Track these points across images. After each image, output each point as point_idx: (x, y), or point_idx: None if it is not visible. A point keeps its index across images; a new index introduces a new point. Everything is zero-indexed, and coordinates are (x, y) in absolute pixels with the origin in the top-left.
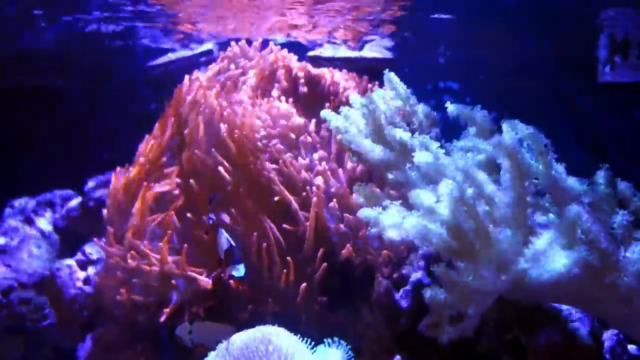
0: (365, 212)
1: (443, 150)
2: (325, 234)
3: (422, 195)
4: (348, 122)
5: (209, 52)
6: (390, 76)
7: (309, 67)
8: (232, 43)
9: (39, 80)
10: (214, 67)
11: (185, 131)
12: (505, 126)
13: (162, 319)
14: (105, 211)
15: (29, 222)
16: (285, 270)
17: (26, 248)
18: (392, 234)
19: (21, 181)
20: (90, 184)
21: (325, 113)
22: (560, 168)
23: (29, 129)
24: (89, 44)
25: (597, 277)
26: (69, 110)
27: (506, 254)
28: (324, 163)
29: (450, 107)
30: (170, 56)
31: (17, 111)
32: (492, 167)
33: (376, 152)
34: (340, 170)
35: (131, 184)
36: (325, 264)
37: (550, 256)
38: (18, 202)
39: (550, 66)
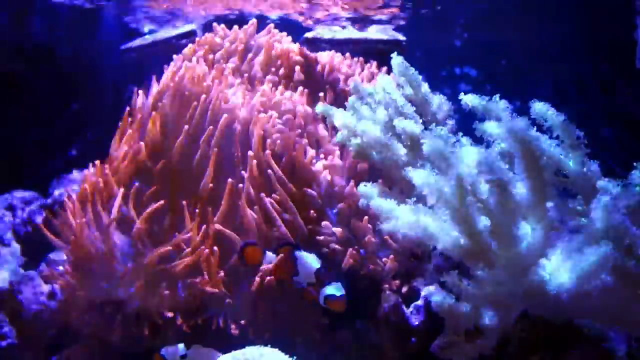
0: (377, 202)
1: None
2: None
3: (429, 181)
4: (352, 116)
5: (191, 33)
6: (399, 61)
7: (306, 50)
8: (215, 25)
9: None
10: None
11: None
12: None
13: (141, 338)
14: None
15: None
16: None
17: None
18: (407, 229)
19: None
20: (56, 183)
21: (324, 108)
22: (593, 166)
23: None
24: (52, 20)
25: (634, 289)
26: (29, 98)
27: (527, 254)
28: (330, 157)
29: (466, 98)
30: (147, 38)
31: None
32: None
33: (384, 147)
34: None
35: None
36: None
37: (578, 262)
38: None
39: (583, 51)
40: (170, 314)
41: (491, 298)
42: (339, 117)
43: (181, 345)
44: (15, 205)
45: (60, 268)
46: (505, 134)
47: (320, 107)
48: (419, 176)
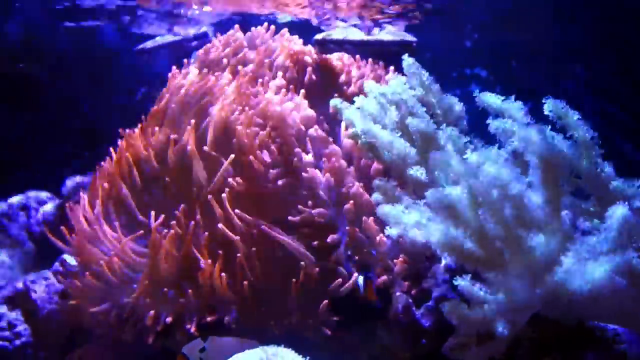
0: (385, 209)
1: (472, 146)
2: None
3: (441, 195)
4: (363, 113)
5: (203, 36)
6: (410, 62)
7: (316, 51)
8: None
9: (8, 67)
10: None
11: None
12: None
13: (151, 337)
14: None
15: (0, 228)
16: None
17: None
18: (415, 234)
19: None
20: (69, 184)
21: (337, 102)
22: (607, 167)
23: None
24: (66, 24)
25: None
26: (44, 101)
27: (540, 263)
28: (333, 159)
29: (480, 97)
30: (159, 40)
31: None
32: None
33: (395, 146)
34: (351, 169)
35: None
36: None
37: (592, 265)
38: None
39: (600, 52)
40: (178, 316)
41: (503, 303)
42: (351, 114)
43: (199, 340)
44: (29, 206)
45: (73, 268)
46: (521, 142)
47: (334, 102)
48: (431, 194)
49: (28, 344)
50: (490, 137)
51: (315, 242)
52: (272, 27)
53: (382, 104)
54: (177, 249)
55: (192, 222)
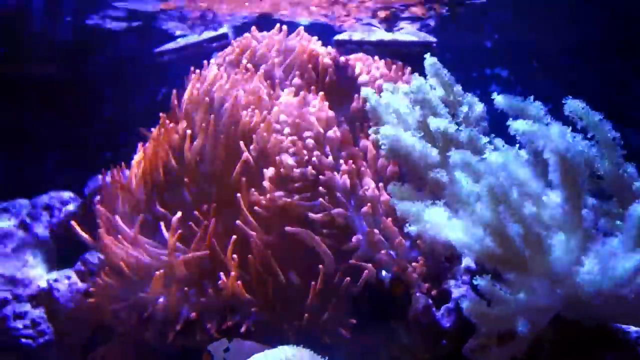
0: (405, 206)
1: (492, 146)
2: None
3: (463, 195)
4: (387, 111)
5: (223, 37)
6: (432, 61)
7: (335, 52)
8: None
9: (37, 70)
10: (224, 54)
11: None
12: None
13: (171, 336)
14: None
15: (25, 227)
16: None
17: (21, 256)
18: (435, 232)
19: (15, 181)
20: (91, 184)
21: (368, 91)
22: (630, 167)
23: (23, 124)
24: (89, 28)
25: None
26: (66, 101)
27: (560, 263)
28: (350, 162)
29: (499, 99)
30: (180, 42)
31: (11, 103)
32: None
33: (417, 146)
34: (369, 170)
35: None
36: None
37: (614, 265)
38: (12, 205)
39: (624, 53)
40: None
41: (524, 303)
42: (380, 109)
43: (224, 340)
44: (52, 205)
45: (95, 267)
46: (541, 141)
47: (365, 90)
48: (451, 193)
49: (51, 342)
50: (510, 138)
51: (333, 243)
52: (285, 27)
53: (403, 105)
54: (197, 248)
55: (213, 220)
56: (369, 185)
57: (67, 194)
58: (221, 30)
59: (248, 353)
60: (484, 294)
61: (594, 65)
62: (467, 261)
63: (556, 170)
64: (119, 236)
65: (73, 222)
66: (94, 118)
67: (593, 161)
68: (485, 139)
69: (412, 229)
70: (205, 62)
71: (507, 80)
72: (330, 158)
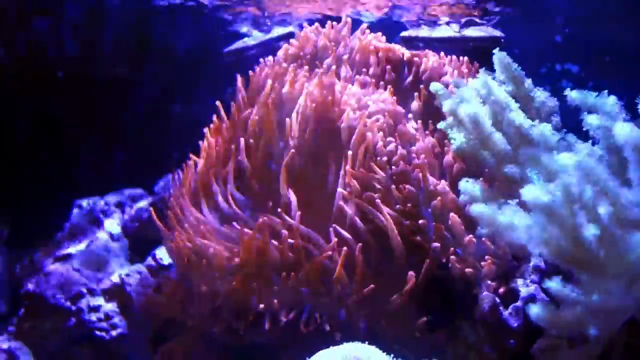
0: (478, 208)
1: (565, 143)
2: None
3: (536, 193)
4: (460, 105)
5: (290, 36)
6: (501, 56)
7: (401, 49)
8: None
9: (105, 71)
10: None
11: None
12: None
13: (241, 329)
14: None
15: (98, 223)
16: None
17: (95, 252)
18: (508, 232)
19: (89, 178)
20: (162, 183)
21: (438, 87)
22: None
23: (96, 123)
24: (157, 26)
25: None
26: (136, 100)
27: (637, 264)
28: (422, 156)
29: (572, 94)
30: (247, 41)
31: (83, 104)
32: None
33: (490, 141)
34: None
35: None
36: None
37: None
38: (86, 202)
39: None
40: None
41: (598, 305)
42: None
43: None
44: (124, 203)
45: (165, 262)
46: (619, 137)
47: (434, 86)
48: (526, 192)
49: (123, 335)
50: (583, 134)
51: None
52: (349, 20)
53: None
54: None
55: (299, 213)
56: (439, 180)
57: (138, 192)
58: (288, 29)
59: None
60: (553, 295)
61: None
62: (535, 260)
63: (636, 167)
64: (193, 228)
65: (152, 210)
66: (162, 117)
67: None
68: (558, 135)
69: (484, 232)
70: (270, 58)
71: (578, 76)
72: (404, 150)
